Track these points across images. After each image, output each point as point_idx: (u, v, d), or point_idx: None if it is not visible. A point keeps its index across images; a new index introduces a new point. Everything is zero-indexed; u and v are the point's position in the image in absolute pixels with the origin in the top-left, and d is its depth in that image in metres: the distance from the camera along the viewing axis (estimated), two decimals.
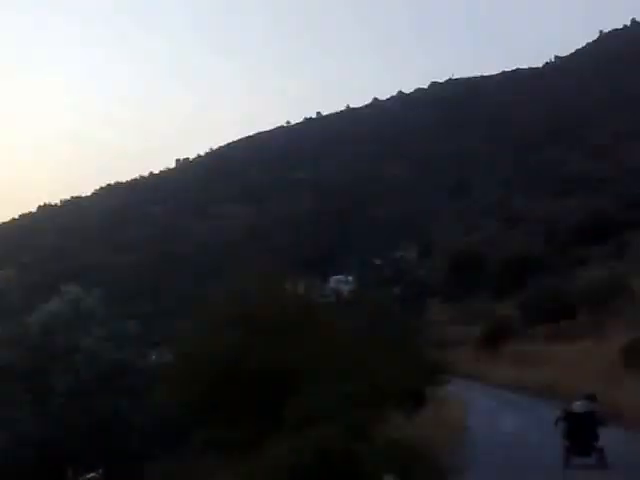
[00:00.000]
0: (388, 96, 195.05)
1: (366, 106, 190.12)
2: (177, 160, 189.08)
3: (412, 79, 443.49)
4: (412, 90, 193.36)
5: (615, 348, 25.69)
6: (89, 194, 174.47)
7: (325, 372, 14.76)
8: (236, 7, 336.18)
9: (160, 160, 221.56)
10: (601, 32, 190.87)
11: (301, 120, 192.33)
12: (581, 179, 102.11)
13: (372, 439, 11.74)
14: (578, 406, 13.88)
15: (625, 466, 13.46)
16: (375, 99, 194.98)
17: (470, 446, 17.72)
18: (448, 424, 19.28)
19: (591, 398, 14.17)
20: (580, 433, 13.44)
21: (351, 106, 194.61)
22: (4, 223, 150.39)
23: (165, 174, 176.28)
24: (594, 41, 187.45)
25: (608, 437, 13.84)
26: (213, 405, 15.27)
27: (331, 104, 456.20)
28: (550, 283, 46.03)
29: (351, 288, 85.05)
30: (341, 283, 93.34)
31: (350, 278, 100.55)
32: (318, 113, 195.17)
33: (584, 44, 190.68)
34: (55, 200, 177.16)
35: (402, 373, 23.08)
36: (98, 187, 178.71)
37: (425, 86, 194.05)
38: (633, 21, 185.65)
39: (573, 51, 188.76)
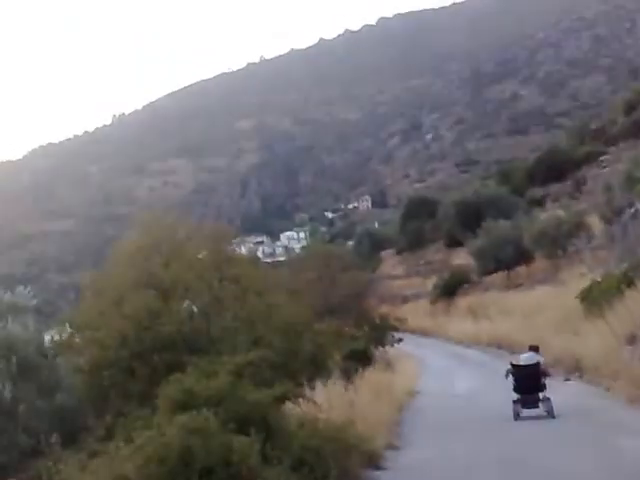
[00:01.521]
0: (335, 35, 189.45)
1: (312, 47, 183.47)
2: (113, 116, 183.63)
3: (358, 16, 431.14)
4: (359, 28, 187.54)
5: (573, 294, 22.54)
6: (20, 157, 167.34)
7: (234, 339, 12.09)
8: None
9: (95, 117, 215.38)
10: None
11: (244, 65, 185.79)
12: (535, 115, 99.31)
13: (271, 426, 8.31)
14: (523, 358, 14.12)
15: (572, 415, 13.58)
16: (321, 39, 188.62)
17: (418, 415, 16.13)
18: (395, 389, 17.51)
19: (535, 349, 14.30)
20: (526, 385, 13.70)
21: (295, 48, 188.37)
22: None
23: (101, 131, 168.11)
24: None
25: (565, 389, 14.02)
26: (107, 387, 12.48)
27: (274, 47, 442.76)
28: (505, 227, 42.78)
29: (303, 244, 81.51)
30: (292, 240, 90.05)
31: (302, 234, 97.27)
32: (261, 57, 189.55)
33: None
34: None
35: (345, 333, 21.70)
36: (30, 149, 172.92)
37: (373, 22, 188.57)
38: None
39: None
